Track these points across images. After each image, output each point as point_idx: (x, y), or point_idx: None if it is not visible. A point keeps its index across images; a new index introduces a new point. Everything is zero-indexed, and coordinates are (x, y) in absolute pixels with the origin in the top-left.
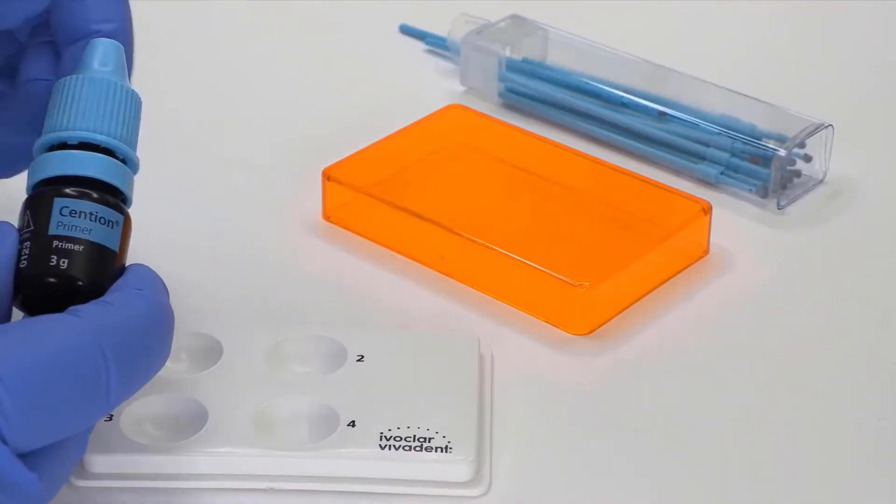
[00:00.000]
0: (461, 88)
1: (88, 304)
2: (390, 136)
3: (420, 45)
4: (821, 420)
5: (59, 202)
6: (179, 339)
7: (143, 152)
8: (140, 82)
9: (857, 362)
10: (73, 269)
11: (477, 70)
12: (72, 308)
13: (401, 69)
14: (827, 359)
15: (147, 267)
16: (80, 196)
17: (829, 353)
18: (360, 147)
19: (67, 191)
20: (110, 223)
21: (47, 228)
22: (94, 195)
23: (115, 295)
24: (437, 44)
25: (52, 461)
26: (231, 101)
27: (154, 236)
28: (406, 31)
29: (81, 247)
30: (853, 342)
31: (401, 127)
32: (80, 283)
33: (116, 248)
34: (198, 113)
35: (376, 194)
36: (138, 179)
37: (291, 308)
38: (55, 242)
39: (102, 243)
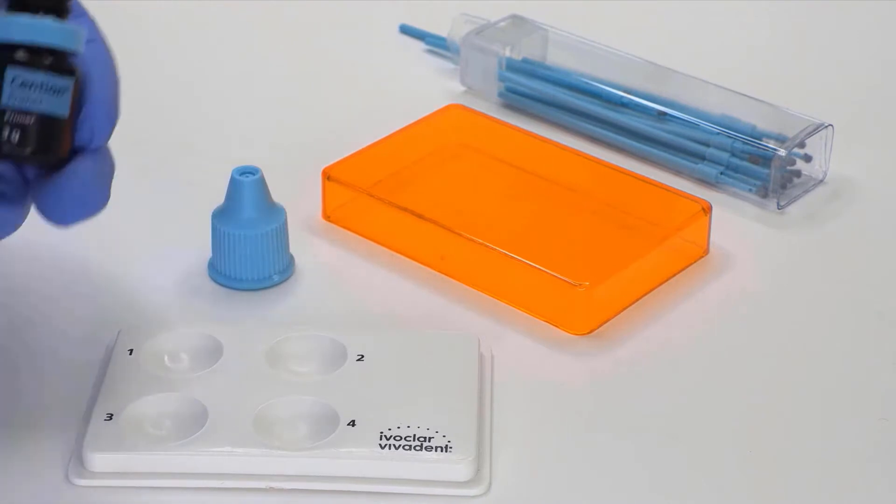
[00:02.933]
0: (461, 88)
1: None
2: (390, 136)
3: (420, 45)
4: (821, 420)
5: (10, 72)
6: (180, 339)
7: (144, 152)
8: (140, 82)
9: (857, 362)
10: (24, 141)
11: (477, 70)
12: None
13: (401, 69)
14: (827, 359)
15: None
16: (32, 64)
17: (829, 353)
18: (360, 147)
19: (18, 58)
20: (60, 90)
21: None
22: (46, 62)
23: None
24: (437, 44)
25: None
26: (231, 102)
27: (155, 236)
28: (406, 31)
29: (32, 119)
30: (853, 342)
31: (401, 127)
32: (33, 152)
33: (66, 114)
34: (198, 113)
35: (376, 194)
36: (141, 181)
37: (291, 308)
38: (7, 114)
39: (52, 113)
